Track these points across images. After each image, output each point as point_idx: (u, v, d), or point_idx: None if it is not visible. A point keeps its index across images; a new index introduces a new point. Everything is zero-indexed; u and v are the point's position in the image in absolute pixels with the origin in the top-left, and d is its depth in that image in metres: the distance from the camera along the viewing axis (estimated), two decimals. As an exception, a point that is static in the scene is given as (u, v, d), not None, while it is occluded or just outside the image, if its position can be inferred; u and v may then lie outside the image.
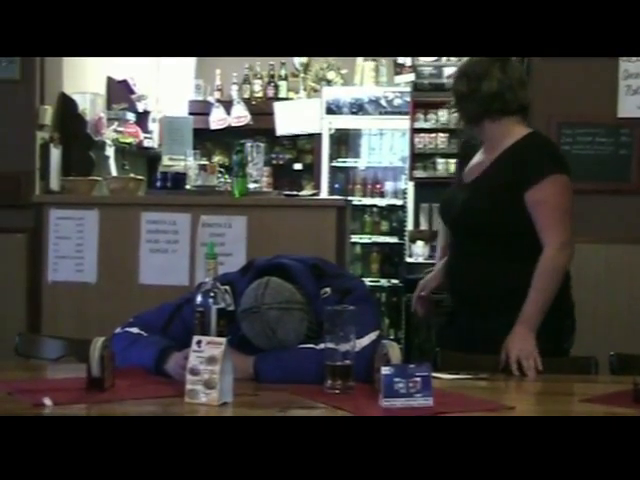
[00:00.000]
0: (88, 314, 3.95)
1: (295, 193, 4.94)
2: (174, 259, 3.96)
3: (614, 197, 4.04)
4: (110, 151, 4.94)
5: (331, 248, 3.85)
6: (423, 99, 6.38)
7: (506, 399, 2.21)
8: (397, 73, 6.61)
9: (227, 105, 6.79)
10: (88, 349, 2.10)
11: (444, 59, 6.34)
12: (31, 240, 4.17)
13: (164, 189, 4.25)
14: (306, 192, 5.87)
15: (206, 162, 4.65)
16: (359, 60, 6.86)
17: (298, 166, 7.10)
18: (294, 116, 6.75)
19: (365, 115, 6.73)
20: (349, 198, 4.88)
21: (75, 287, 4.03)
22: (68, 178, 4.37)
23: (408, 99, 6.50)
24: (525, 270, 2.63)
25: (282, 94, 7.03)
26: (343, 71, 7.01)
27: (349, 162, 6.93)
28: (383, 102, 6.70)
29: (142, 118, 5.54)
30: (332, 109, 6.74)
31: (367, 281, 6.06)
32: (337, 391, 2.11)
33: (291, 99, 6.97)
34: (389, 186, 6.90)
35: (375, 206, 6.86)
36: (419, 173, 6.42)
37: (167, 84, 6.49)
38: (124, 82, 5.56)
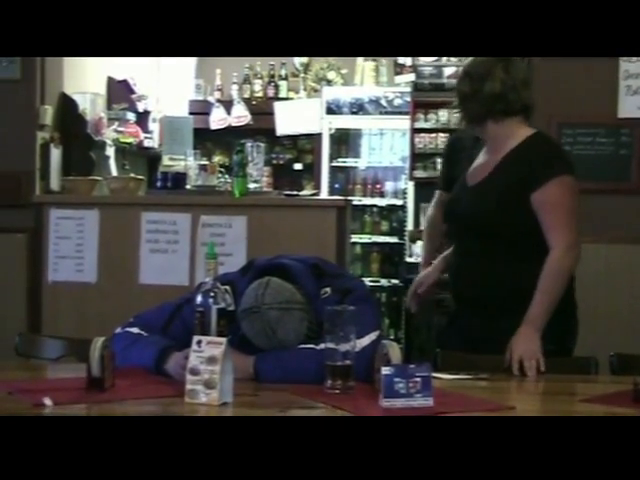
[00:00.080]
0: (88, 314, 3.95)
1: (295, 193, 4.94)
2: (174, 259, 3.96)
3: (614, 197, 4.04)
4: (110, 151, 4.94)
5: (331, 248, 3.84)
6: (423, 99, 6.38)
7: (506, 399, 2.21)
8: (397, 73, 6.61)
9: (227, 105, 6.79)
10: (88, 349, 2.10)
11: (444, 59, 6.34)
12: (31, 240, 4.17)
13: (164, 189, 4.24)
14: (306, 192, 5.87)
15: (206, 162, 4.65)
16: (359, 60, 6.86)
17: (298, 166, 7.10)
18: (294, 116, 6.75)
19: (365, 115, 6.73)
20: (349, 198, 4.87)
21: (75, 287, 4.03)
22: (68, 178, 4.37)
23: (408, 99, 6.50)
24: (531, 271, 2.62)
25: (282, 94, 7.03)
26: (343, 71, 7.02)
27: (349, 162, 6.93)
28: (383, 102, 6.70)
29: (142, 118, 5.54)
30: (332, 109, 6.75)
31: (367, 281, 6.05)
32: (337, 391, 2.11)
33: (291, 99, 6.98)
34: (389, 186, 6.90)
35: (375, 206, 6.87)
36: (419, 173, 6.42)
37: (167, 84, 6.49)
38: (124, 82, 5.56)
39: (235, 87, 7.02)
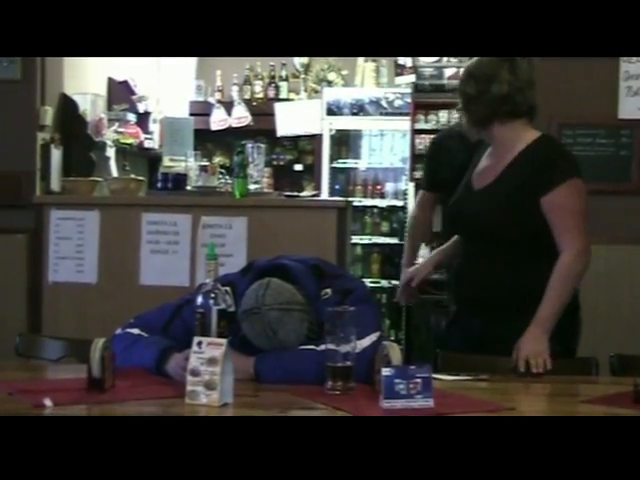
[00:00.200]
0: (88, 315, 3.95)
1: (296, 194, 4.94)
2: (175, 260, 3.96)
3: (614, 198, 4.03)
4: (111, 152, 4.95)
5: (332, 249, 3.84)
6: (424, 100, 6.37)
7: (506, 400, 2.21)
8: (398, 74, 6.61)
9: (228, 106, 6.79)
10: (89, 350, 2.10)
11: (445, 60, 6.33)
12: (32, 241, 4.17)
13: (165, 190, 4.25)
14: (307, 193, 5.87)
15: (207, 163, 4.64)
16: (360, 61, 6.86)
17: (299, 167, 7.10)
18: (295, 117, 6.75)
19: (366, 116, 6.73)
20: (350, 199, 4.88)
21: (76, 288, 4.03)
22: (69, 179, 4.37)
23: (409, 100, 6.49)
24: (538, 273, 2.62)
25: (283, 95, 7.03)
26: (344, 72, 7.02)
27: (350, 163, 6.93)
28: (384, 103, 6.70)
29: (143, 119, 5.54)
30: (333, 110, 6.74)
31: (367, 282, 6.05)
32: (338, 392, 2.11)
33: (292, 100, 6.97)
34: (390, 187, 6.90)
35: (376, 207, 6.86)
36: (420, 174, 6.41)
37: (168, 85, 6.49)
38: (125, 83, 5.56)
39: (235, 88, 7.02)
